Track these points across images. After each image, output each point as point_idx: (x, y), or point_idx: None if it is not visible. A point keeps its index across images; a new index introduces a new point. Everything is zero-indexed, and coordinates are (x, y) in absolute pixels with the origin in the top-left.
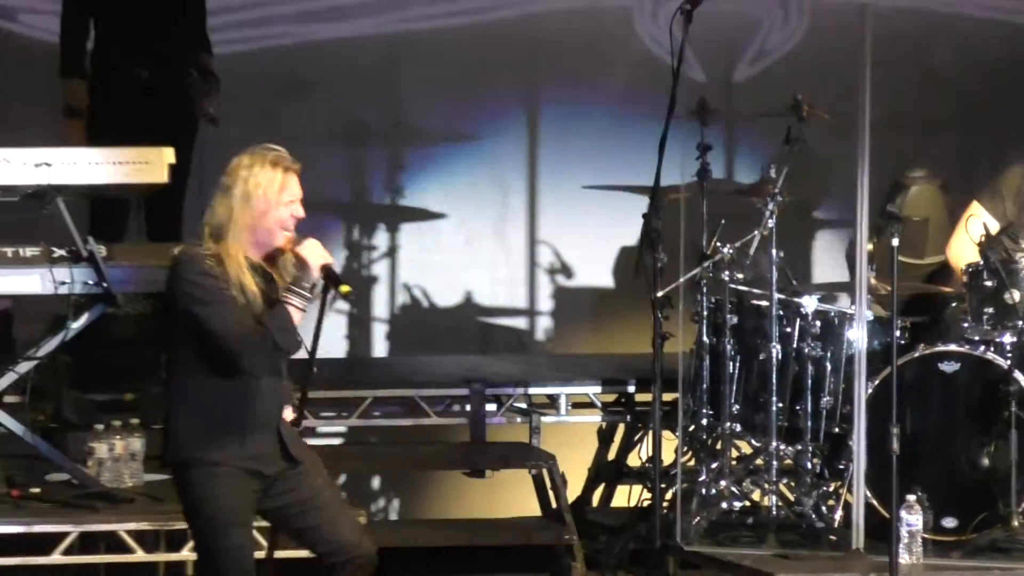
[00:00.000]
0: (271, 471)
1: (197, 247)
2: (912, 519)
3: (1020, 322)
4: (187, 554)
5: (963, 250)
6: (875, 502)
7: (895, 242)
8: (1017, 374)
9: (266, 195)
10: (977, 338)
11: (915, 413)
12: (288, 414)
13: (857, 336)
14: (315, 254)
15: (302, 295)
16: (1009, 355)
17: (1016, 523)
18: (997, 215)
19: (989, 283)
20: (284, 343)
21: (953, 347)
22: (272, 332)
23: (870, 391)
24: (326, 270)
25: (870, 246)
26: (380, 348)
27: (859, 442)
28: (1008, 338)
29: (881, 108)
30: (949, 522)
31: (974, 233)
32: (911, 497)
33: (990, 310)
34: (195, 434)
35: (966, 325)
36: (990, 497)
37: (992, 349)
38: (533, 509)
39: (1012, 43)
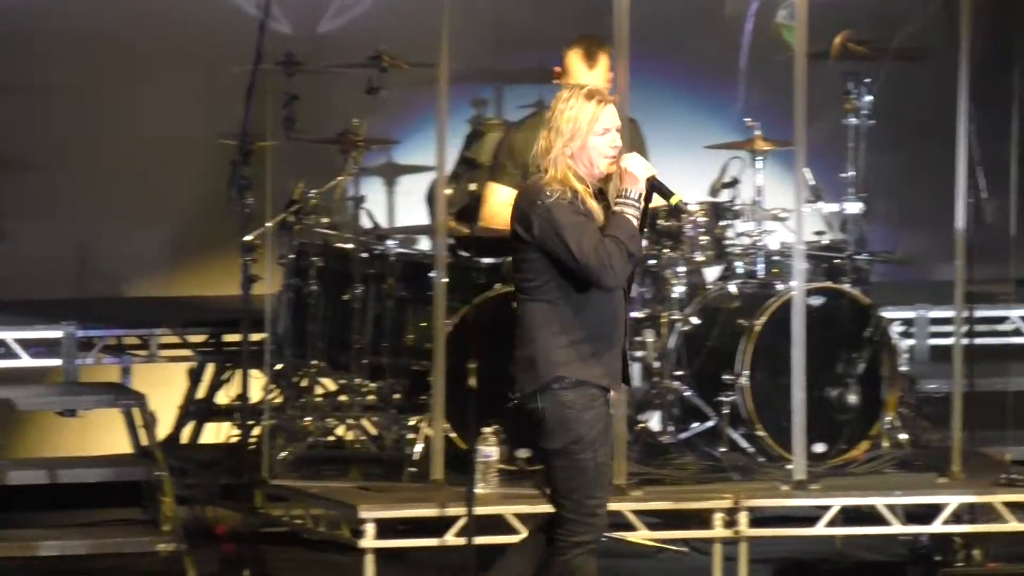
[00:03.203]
0: (615, 390)
1: (539, 179)
2: (489, 451)
3: None
4: None
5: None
6: (454, 435)
7: (472, 187)
8: None
9: (579, 126)
10: None
11: (493, 350)
12: None
13: (437, 276)
14: (640, 167)
15: (633, 204)
16: None
17: None
18: (514, 185)
19: None
20: (635, 249)
21: None
22: (624, 241)
23: (450, 329)
24: (652, 181)
25: (449, 190)
26: None
27: (438, 378)
28: None
29: (460, 60)
30: (523, 453)
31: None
32: (487, 430)
33: None
34: (564, 355)
35: None
36: None
37: None
38: (125, 447)
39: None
